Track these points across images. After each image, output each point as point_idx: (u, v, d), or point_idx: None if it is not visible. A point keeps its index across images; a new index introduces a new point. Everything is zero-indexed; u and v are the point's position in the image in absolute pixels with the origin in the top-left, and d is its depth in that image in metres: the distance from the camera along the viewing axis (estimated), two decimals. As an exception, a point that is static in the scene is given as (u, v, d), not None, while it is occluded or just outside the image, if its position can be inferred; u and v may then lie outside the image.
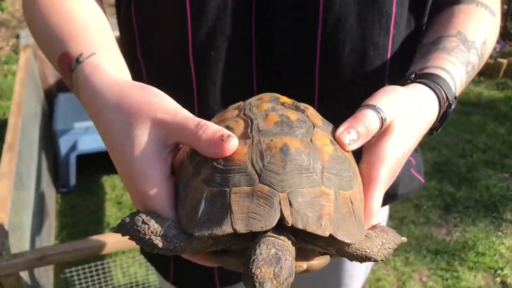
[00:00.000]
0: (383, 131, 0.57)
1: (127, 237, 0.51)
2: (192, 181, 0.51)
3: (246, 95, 0.65)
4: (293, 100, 0.59)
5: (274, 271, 0.45)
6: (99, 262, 1.70)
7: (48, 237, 2.49)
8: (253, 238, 0.48)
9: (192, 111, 0.54)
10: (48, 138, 3.04)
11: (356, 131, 0.54)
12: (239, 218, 0.47)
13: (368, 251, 0.52)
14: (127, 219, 0.51)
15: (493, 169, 3.36)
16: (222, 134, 0.49)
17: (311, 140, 0.52)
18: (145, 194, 0.51)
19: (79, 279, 1.71)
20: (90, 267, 1.70)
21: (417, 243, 2.74)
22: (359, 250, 0.52)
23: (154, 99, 0.52)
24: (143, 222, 0.49)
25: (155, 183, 0.51)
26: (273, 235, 0.47)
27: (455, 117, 4.05)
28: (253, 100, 0.59)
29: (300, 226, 0.47)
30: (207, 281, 0.98)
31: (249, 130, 0.52)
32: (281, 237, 0.48)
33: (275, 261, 0.45)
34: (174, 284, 1.01)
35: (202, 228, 0.47)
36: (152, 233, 0.49)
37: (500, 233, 2.81)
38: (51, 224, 2.69)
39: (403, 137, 0.57)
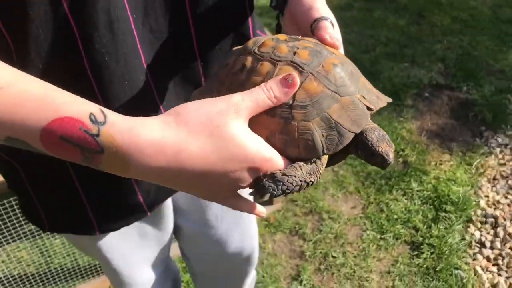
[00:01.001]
0: None
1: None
2: (291, 126, 0.60)
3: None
4: (285, 34, 0.69)
5: (388, 144, 0.62)
6: None
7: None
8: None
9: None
10: None
11: (337, 36, 0.70)
12: (349, 124, 0.60)
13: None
14: (268, 186, 0.58)
15: (394, 60, 3.56)
16: (285, 78, 0.59)
17: (334, 53, 0.65)
18: (264, 160, 0.57)
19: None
20: None
21: (328, 138, 2.92)
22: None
23: (205, 106, 0.55)
24: (287, 175, 0.58)
25: (265, 147, 0.58)
26: (368, 123, 0.63)
27: (359, 14, 4.17)
28: (263, 49, 0.65)
29: (378, 107, 0.65)
30: (83, 221, 0.94)
31: (300, 69, 0.61)
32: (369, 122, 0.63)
33: (382, 137, 0.62)
34: (52, 231, 0.99)
35: (332, 146, 0.60)
36: (300, 178, 0.59)
37: (401, 118, 3.05)
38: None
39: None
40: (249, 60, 0.65)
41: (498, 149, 2.84)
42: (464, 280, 2.15)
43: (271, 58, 0.63)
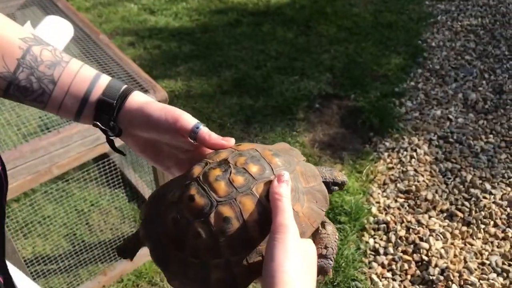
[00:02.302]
0: None
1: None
2: (300, 218, 0.67)
3: None
4: (205, 166, 0.69)
5: (336, 171, 0.78)
6: None
7: None
8: None
9: None
10: None
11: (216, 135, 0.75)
12: (315, 181, 0.73)
13: None
14: (327, 264, 0.69)
15: (285, 74, 3.61)
16: (280, 178, 0.66)
17: (255, 149, 0.72)
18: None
19: None
20: None
21: (224, 161, 2.90)
22: None
23: (288, 256, 0.61)
24: (328, 247, 0.70)
25: (312, 243, 0.67)
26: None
27: (248, 30, 4.20)
28: (223, 193, 0.65)
29: (302, 156, 0.78)
30: None
31: (267, 180, 0.67)
32: None
33: (330, 171, 0.78)
34: None
35: (323, 204, 0.71)
36: (333, 240, 0.70)
37: (294, 133, 3.09)
38: None
39: None
40: (225, 210, 0.64)
41: (386, 154, 2.95)
42: (361, 291, 2.20)
43: (242, 192, 0.64)
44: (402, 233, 2.46)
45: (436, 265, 2.28)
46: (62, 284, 2.21)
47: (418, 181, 2.74)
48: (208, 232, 0.63)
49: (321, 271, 0.68)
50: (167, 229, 0.66)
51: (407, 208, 2.60)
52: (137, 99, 0.75)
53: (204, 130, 0.72)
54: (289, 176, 0.66)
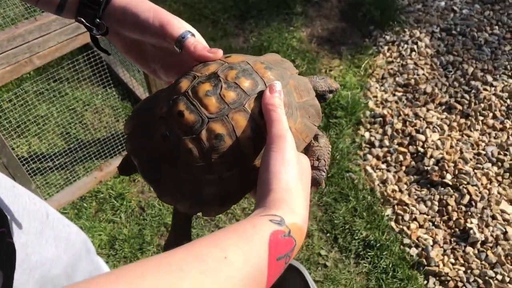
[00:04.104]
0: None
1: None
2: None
3: None
4: (191, 84, 0.64)
5: (329, 80, 0.77)
6: None
7: None
8: None
9: None
10: None
11: (204, 43, 0.71)
12: (308, 96, 0.71)
13: None
14: (319, 175, 0.68)
15: (282, -34, 3.39)
16: (272, 88, 0.62)
17: (246, 62, 0.68)
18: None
19: None
20: None
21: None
22: None
23: (281, 170, 0.59)
24: (320, 159, 0.69)
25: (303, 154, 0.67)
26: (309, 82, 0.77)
27: None
28: (214, 109, 0.62)
29: (295, 69, 0.75)
30: None
31: (260, 93, 0.64)
32: None
33: (323, 80, 0.76)
34: None
35: (316, 118, 0.70)
36: (326, 151, 0.70)
37: (291, 28, 2.97)
38: None
39: None
40: (217, 126, 0.61)
41: (386, 47, 2.85)
42: (355, 181, 2.21)
43: (235, 108, 0.61)
44: (399, 126, 2.43)
45: (431, 156, 2.28)
46: (59, 180, 2.24)
47: (418, 75, 2.67)
48: (199, 150, 0.62)
49: (314, 182, 0.67)
50: (157, 145, 0.64)
51: (405, 101, 2.55)
52: None
53: (190, 41, 0.67)
54: (281, 86, 0.63)
